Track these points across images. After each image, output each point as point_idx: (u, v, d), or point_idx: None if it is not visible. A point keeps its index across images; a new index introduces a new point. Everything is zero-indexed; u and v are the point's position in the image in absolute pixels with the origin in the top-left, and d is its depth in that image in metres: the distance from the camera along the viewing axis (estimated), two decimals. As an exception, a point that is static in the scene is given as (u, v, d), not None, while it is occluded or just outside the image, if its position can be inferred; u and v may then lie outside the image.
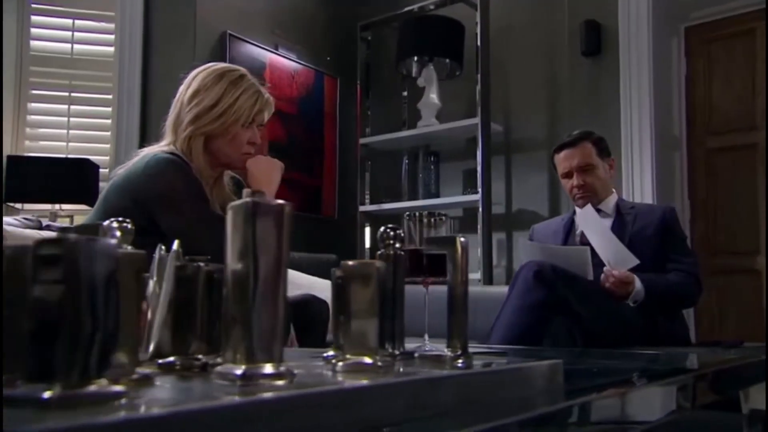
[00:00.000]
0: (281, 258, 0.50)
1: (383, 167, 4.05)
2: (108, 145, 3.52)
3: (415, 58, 3.77)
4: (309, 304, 1.76)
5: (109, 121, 3.54)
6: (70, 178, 3.18)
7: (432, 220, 1.20)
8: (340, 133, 4.09)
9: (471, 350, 1.24)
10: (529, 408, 0.51)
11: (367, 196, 3.96)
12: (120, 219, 0.65)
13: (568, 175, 2.40)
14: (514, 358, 1.21)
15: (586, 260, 2.03)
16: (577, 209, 2.34)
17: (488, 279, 3.36)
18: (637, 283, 2.09)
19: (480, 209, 3.38)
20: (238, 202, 0.52)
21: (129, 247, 0.61)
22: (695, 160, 3.46)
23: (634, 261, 2.06)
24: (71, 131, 3.59)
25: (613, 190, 2.47)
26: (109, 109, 3.53)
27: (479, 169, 3.41)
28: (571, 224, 2.45)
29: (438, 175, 3.77)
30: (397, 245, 0.67)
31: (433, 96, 3.69)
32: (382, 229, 0.68)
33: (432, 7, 3.81)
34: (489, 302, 2.19)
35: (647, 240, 2.24)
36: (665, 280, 2.17)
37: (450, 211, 3.80)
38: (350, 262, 0.56)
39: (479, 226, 3.37)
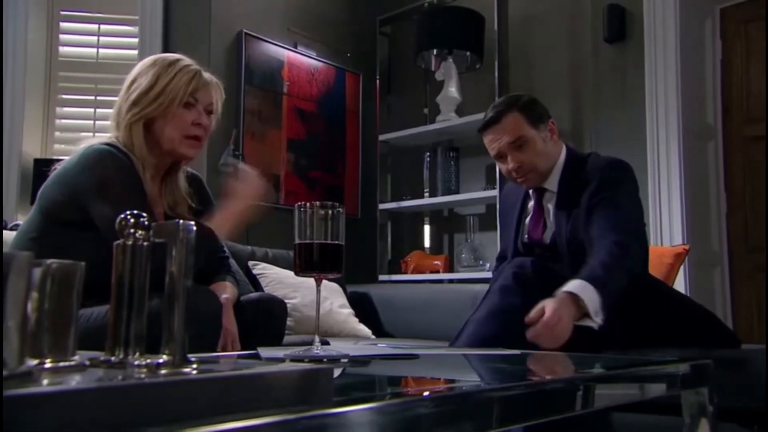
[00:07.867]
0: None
1: (404, 164, 3.97)
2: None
3: (434, 51, 3.67)
4: (262, 303, 1.70)
5: (132, 124, 3.60)
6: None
7: (329, 212, 1.13)
8: (363, 131, 4.02)
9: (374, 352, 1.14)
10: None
11: (389, 194, 3.89)
12: None
13: (501, 157, 2.01)
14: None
15: None
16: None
17: (507, 278, 3.23)
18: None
19: (497, 205, 3.24)
20: None
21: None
22: (731, 150, 3.23)
23: None
24: (97, 134, 3.66)
25: (561, 152, 2.03)
26: (133, 111, 3.59)
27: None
28: (525, 199, 2.11)
29: (458, 171, 3.65)
30: (139, 234, 0.59)
31: (452, 89, 3.58)
32: (121, 216, 0.61)
33: (451, -3, 3.71)
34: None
35: (581, 215, 1.86)
36: (596, 267, 1.69)
37: (471, 208, 3.68)
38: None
39: (497, 223, 3.24)
